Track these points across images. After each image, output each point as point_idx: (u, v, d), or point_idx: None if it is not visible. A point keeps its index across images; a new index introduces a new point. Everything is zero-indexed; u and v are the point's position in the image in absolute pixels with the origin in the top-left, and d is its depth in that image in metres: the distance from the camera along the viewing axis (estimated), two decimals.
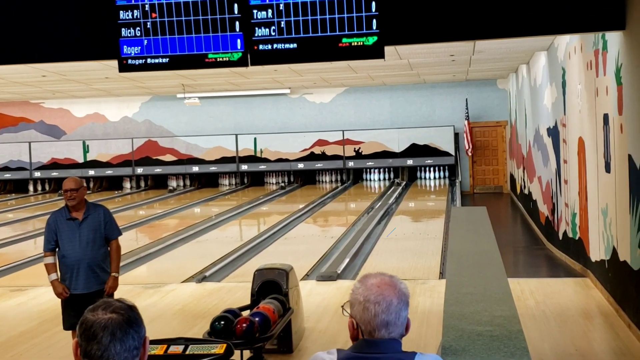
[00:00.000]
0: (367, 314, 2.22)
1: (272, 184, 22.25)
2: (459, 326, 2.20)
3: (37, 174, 22.74)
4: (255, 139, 21.71)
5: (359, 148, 21.21)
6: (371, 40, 5.49)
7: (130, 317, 1.94)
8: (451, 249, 4.08)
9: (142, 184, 22.95)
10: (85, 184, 5.94)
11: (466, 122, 20.06)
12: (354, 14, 5.46)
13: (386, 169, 21.59)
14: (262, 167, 21.86)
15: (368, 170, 21.66)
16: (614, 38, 6.58)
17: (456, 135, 20.59)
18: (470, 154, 20.39)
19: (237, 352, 4.92)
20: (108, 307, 1.94)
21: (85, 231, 5.73)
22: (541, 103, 12.26)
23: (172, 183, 22.63)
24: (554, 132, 10.84)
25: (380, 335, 2.21)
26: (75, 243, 5.72)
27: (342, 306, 2.33)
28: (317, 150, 21.42)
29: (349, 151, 21.27)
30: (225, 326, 5.14)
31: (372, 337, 2.22)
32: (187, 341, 4.29)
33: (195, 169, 22.09)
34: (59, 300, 5.90)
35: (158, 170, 22.25)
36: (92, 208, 5.83)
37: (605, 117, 7.15)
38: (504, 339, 2.04)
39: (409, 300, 2.27)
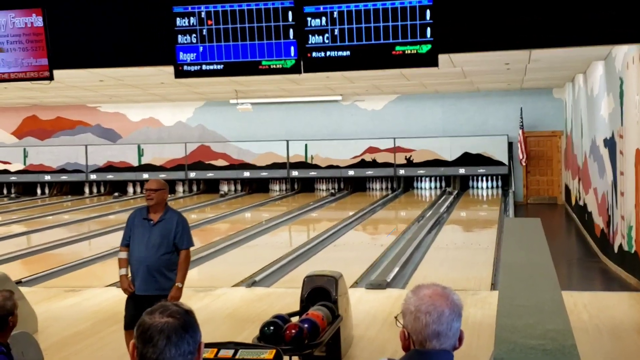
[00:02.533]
0: (418, 323, 2.22)
1: (322, 190, 22.28)
2: (511, 339, 2.16)
3: (93, 177, 23.18)
4: (306, 145, 21.78)
5: (410, 156, 21.11)
6: (425, 48, 5.47)
7: (186, 321, 1.96)
8: (504, 261, 4.03)
9: (195, 188, 23.21)
10: (167, 187, 5.92)
11: (520, 131, 19.81)
12: (408, 22, 5.45)
13: (438, 178, 21.43)
14: (313, 173, 21.91)
15: (419, 178, 21.54)
16: None
17: (510, 144, 20.35)
18: (524, 164, 20.12)
19: (285, 358, 4.94)
20: (165, 311, 1.97)
21: (155, 234, 5.72)
22: (598, 113, 12.04)
23: (224, 188, 22.83)
24: (610, 143, 10.63)
25: (432, 346, 2.21)
26: (142, 244, 5.73)
27: (396, 317, 2.33)
28: (368, 157, 21.38)
29: (400, 159, 21.18)
30: (274, 332, 5.16)
31: (424, 348, 2.22)
32: (237, 345, 4.32)
33: (247, 174, 22.25)
34: (113, 301, 6.01)
35: (210, 174, 22.48)
36: (170, 213, 5.81)
37: None
38: (557, 353, 2.00)
39: (461, 312, 2.26)
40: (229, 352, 4.21)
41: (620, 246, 9.75)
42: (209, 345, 4.29)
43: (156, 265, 5.71)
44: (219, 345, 4.30)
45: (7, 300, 3.91)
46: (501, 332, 2.31)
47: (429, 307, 2.22)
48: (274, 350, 4.28)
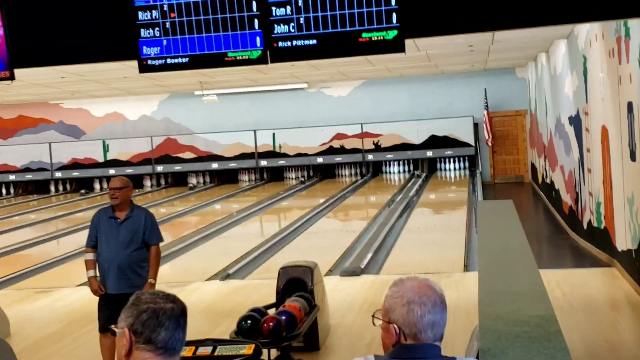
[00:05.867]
0: (412, 315, 2.17)
1: (292, 178, 22.24)
2: (495, 327, 2.16)
3: (58, 175, 22.89)
4: (274, 134, 21.71)
5: (378, 141, 21.14)
6: (391, 34, 5.43)
7: (184, 306, 2.08)
8: (481, 246, 4.03)
9: (163, 181, 23.03)
10: (131, 185, 5.88)
11: (485, 112, 19.94)
12: (374, 8, 5.41)
13: (406, 161, 21.51)
14: (282, 162, 21.86)
15: (387, 162, 21.59)
16: (636, 25, 6.49)
17: (475, 125, 20.47)
18: (490, 144, 20.26)
19: (264, 351, 4.91)
20: (167, 296, 2.05)
21: (123, 232, 5.67)
22: (562, 91, 12.13)
23: (192, 180, 22.68)
24: (575, 121, 10.73)
25: (426, 337, 2.17)
26: (111, 243, 5.67)
27: (374, 315, 2.29)
28: (336, 144, 21.38)
29: (368, 144, 21.21)
30: (252, 325, 5.14)
31: (418, 341, 2.18)
32: (215, 342, 4.28)
33: (215, 165, 22.13)
34: (85, 301, 5.94)
35: (178, 167, 22.32)
36: (136, 210, 5.76)
37: (630, 105, 7.05)
38: (542, 340, 2.00)
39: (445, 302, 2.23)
40: (207, 350, 4.17)
41: (590, 222, 9.86)
42: (187, 344, 4.25)
43: (127, 262, 5.66)
44: (197, 343, 4.26)
45: None
46: (485, 321, 2.31)
47: (422, 297, 2.18)
48: (253, 345, 4.26)
